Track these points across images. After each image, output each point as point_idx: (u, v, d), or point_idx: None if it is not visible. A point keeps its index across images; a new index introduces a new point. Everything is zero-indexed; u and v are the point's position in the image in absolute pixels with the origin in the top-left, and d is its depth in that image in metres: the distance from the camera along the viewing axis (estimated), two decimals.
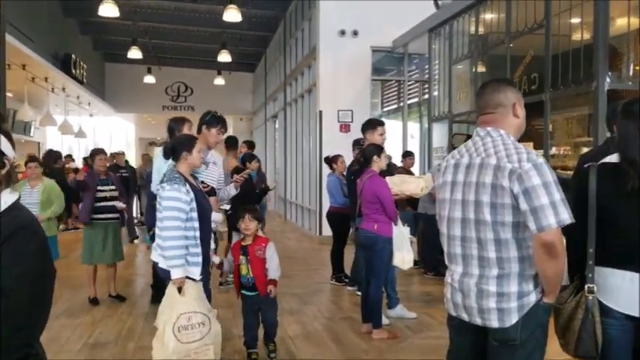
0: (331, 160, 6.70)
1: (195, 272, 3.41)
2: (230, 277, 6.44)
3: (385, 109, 11.58)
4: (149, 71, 18.85)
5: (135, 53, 14.59)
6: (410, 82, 11.08)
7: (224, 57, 14.74)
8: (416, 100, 11.30)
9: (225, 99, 20.50)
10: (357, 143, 6.13)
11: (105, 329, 4.76)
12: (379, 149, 4.59)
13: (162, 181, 3.43)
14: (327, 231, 9.38)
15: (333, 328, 4.92)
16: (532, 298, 2.03)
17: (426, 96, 10.95)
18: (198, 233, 3.42)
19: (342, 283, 6.56)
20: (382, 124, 5.18)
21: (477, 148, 2.18)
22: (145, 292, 5.93)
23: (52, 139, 19.44)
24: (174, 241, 3.30)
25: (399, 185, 4.73)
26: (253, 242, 3.92)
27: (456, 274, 2.21)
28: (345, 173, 6.39)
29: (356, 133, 8.62)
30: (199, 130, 4.16)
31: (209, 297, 3.64)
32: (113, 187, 5.73)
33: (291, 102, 13.75)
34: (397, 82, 11.35)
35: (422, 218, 7.08)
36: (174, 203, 3.32)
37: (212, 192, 6.29)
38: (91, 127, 18.99)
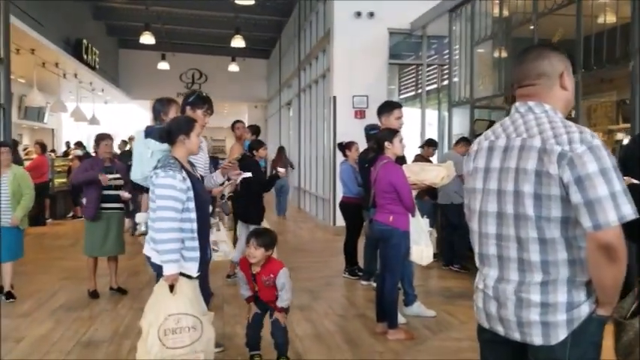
0: (345, 147, 6.32)
1: (192, 268, 3.08)
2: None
3: (402, 96, 11.13)
4: (163, 58, 18.62)
5: (147, 38, 14.33)
6: (429, 67, 10.61)
7: (238, 42, 14.42)
8: (434, 86, 10.84)
9: (240, 86, 20.24)
10: (370, 129, 5.74)
11: (101, 326, 4.48)
12: (393, 133, 4.20)
13: (155, 167, 3.10)
14: (342, 221, 9.07)
15: (345, 327, 4.57)
16: (584, 311, 1.66)
17: (445, 82, 10.51)
18: (195, 225, 3.08)
19: (356, 276, 6.22)
20: (399, 106, 4.80)
21: (517, 126, 1.80)
22: (148, 284, 5.60)
23: (67, 127, 19.35)
24: (168, 234, 2.97)
25: (418, 174, 4.34)
26: (262, 270, 3.48)
27: (489, 279, 1.84)
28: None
29: (371, 119, 8.24)
30: (183, 112, 3.81)
31: (208, 297, 3.32)
32: (118, 176, 5.39)
33: (305, 88, 13.37)
34: (415, 67, 10.89)
35: (447, 209, 6.67)
36: (168, 192, 2.98)
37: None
38: (105, 114, 18.80)
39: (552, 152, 1.63)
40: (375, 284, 5.66)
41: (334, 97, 9.88)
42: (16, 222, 5.03)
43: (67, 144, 17.18)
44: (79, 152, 11.71)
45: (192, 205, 3.07)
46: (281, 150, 13.86)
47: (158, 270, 3.07)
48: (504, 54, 7.69)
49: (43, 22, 11.24)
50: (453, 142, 8.72)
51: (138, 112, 24.38)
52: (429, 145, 7.57)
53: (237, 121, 6.81)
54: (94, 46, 15.24)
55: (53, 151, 15.12)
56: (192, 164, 3.34)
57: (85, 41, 14.38)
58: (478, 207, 1.87)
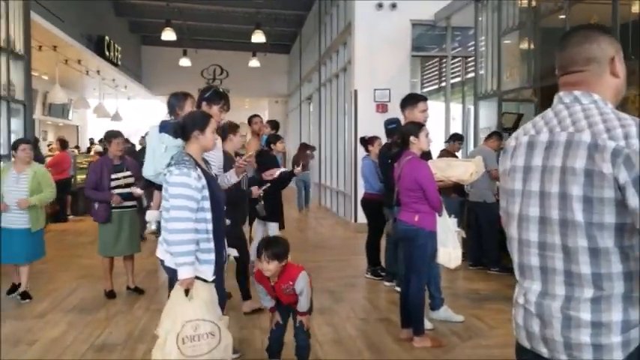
0: (367, 142, 6.10)
1: (207, 272, 2.92)
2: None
3: (425, 89, 10.84)
4: (184, 54, 18.58)
5: (168, 35, 14.27)
6: (453, 59, 10.31)
7: (258, 37, 14.27)
8: (458, 79, 10.53)
9: (261, 81, 20.15)
10: (389, 123, 5.53)
11: (116, 328, 4.36)
12: (418, 127, 3.97)
13: (169, 165, 2.95)
14: (363, 218, 8.86)
15: (367, 332, 4.37)
16: None
17: (470, 74, 10.21)
18: (210, 226, 2.92)
19: (379, 277, 6.01)
20: (424, 98, 4.57)
21: (562, 119, 1.58)
22: (165, 284, 5.48)
23: (91, 123, 19.50)
24: (182, 235, 2.80)
25: (445, 170, 4.11)
26: (279, 279, 3.28)
27: (531, 294, 1.62)
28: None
29: (394, 113, 8.01)
30: (198, 108, 3.68)
31: (223, 301, 3.16)
32: (128, 173, 5.25)
33: (326, 82, 13.17)
34: (439, 60, 10.60)
35: (479, 208, 6.43)
36: (183, 190, 2.83)
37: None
38: (128, 111, 18.88)
39: (605, 149, 1.41)
40: (398, 289, 5.48)
41: (355, 91, 9.67)
42: (24, 204, 4.85)
43: (91, 140, 17.32)
44: (100, 148, 11.71)
45: (207, 204, 2.91)
46: (303, 146, 13.69)
47: (172, 274, 2.92)
48: (532, 45, 7.38)
49: (64, 19, 11.25)
50: (480, 136, 8.47)
51: (160, 108, 24.52)
52: (455, 139, 7.31)
53: (255, 116, 6.64)
54: (116, 42, 15.26)
55: (77, 147, 15.22)
56: (206, 161, 3.18)
57: (107, 38, 14.39)
58: (517, 211, 1.66)
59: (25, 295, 5.07)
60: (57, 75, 11.76)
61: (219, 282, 3.08)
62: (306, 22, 16.59)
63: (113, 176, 5.21)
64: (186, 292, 2.83)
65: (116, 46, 15.15)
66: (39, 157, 9.44)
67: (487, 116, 8.64)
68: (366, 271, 6.17)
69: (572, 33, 1.69)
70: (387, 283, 5.76)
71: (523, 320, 1.65)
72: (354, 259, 7.12)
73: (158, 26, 15.36)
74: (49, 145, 13.30)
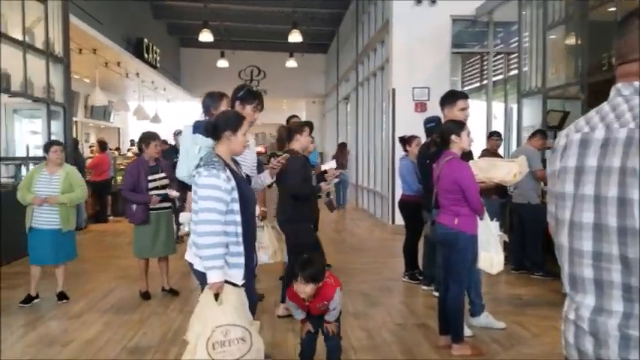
0: (406, 142, 5.92)
1: (237, 275, 2.84)
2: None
3: (466, 87, 10.54)
4: (222, 55, 18.73)
5: (206, 36, 14.39)
6: (495, 56, 9.98)
7: (295, 37, 14.23)
8: (500, 76, 10.19)
9: (298, 81, 20.15)
10: (428, 122, 5.34)
11: (150, 330, 4.33)
12: (460, 126, 3.79)
13: (198, 166, 2.87)
14: (400, 219, 8.67)
15: (404, 338, 4.20)
16: None
17: (513, 71, 9.86)
18: (240, 229, 2.83)
19: (416, 281, 5.83)
20: (464, 96, 4.37)
21: (620, 114, 1.40)
22: (199, 286, 5.49)
23: (132, 125, 19.89)
24: (211, 238, 2.72)
25: (487, 171, 3.91)
26: (315, 299, 3.15)
27: (584, 309, 1.45)
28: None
29: (433, 113, 7.79)
30: (232, 107, 3.60)
31: (254, 305, 3.06)
32: (163, 175, 5.26)
33: (363, 81, 13.01)
34: (479, 57, 10.28)
35: (523, 209, 6.18)
36: (212, 192, 2.75)
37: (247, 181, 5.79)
38: (168, 113, 19.17)
39: None
40: (436, 293, 5.28)
41: (393, 90, 9.47)
42: (53, 200, 4.85)
43: (132, 142, 17.64)
44: (136, 150, 11.89)
45: (236, 206, 2.82)
46: (342, 146, 13.56)
47: (201, 278, 2.85)
48: (580, 39, 7.04)
49: (103, 22, 11.46)
50: (524, 135, 8.16)
51: (199, 110, 24.77)
52: (491, 136, 7.06)
53: (293, 117, 6.57)
54: (155, 45, 15.49)
55: (118, 149, 15.51)
56: (236, 162, 3.10)
57: (145, 40, 14.62)
58: (568, 217, 1.49)
59: (62, 296, 5.11)
60: (97, 78, 11.98)
61: (249, 286, 2.99)
62: (343, 21, 16.45)
63: (150, 178, 5.21)
64: (216, 296, 2.75)
65: (155, 48, 15.38)
66: (79, 159, 9.67)
67: (531, 114, 8.32)
68: (403, 275, 6.00)
69: (631, 17, 1.51)
70: (424, 287, 5.58)
71: (574, 338, 1.48)
72: (391, 261, 6.96)
73: (196, 28, 15.52)
74: (90, 147, 13.59)
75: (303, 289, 3.06)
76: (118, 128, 19.17)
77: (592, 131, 1.46)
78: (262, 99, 3.76)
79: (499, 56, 10.10)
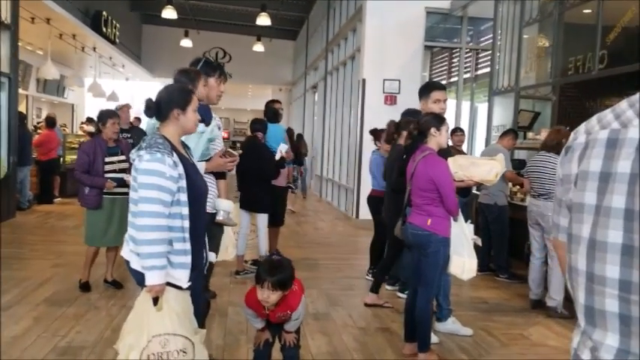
0: (378, 135, 5.60)
1: (182, 277, 2.43)
2: (250, 267, 5.56)
3: None
4: (186, 35, 18.01)
5: (169, 13, 13.69)
6: (466, 52, 9.78)
7: (264, 20, 13.69)
8: (468, 74, 9.99)
9: (265, 67, 19.62)
10: (408, 114, 5.03)
11: (85, 327, 3.87)
12: (440, 120, 3.49)
13: (139, 148, 2.46)
14: (365, 214, 8.38)
15: (366, 343, 3.89)
16: None
17: (481, 70, 9.70)
18: (187, 223, 2.43)
19: None
20: (440, 87, 4.08)
21: None
22: None
23: (88, 103, 18.93)
24: (152, 233, 2.31)
25: (467, 168, 3.62)
26: (277, 307, 2.81)
27: (603, 351, 1.15)
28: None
29: (403, 106, 7.51)
30: None
31: (201, 310, 2.68)
32: (123, 158, 4.76)
33: (332, 70, 12.65)
34: (448, 54, 10.06)
35: (489, 210, 5.98)
36: (154, 179, 2.33)
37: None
38: (127, 92, 18.32)
39: None
40: (401, 295, 5.02)
41: (363, 80, 9.15)
42: None
43: (89, 119, 16.78)
44: (92, 129, 11.19)
45: (183, 197, 2.42)
46: (300, 137, 13.23)
47: (139, 278, 2.43)
48: (554, 40, 6.88)
49: None
50: (493, 134, 7.98)
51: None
52: (457, 131, 6.83)
53: (274, 101, 6.23)
54: (115, 19, 14.68)
55: (64, 125, 14.62)
56: (185, 146, 2.69)
57: (104, 13, 13.81)
58: (587, 234, 1.18)
59: None
60: (49, 49, 11.21)
61: (196, 288, 2.60)
62: (314, 7, 16.02)
63: (107, 160, 4.71)
64: (155, 300, 2.35)
65: (114, 22, 14.57)
66: (25, 135, 8.99)
67: (501, 113, 8.15)
68: (367, 272, 5.71)
69: None
70: (388, 287, 5.31)
71: None
72: (355, 258, 6.67)
73: (159, 4, 14.80)
74: (38, 124, 12.78)
75: (268, 296, 2.70)
76: (73, 105, 18.22)
77: (624, 128, 1.15)
78: (224, 69, 3.37)
79: (469, 53, 9.91)
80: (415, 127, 3.48)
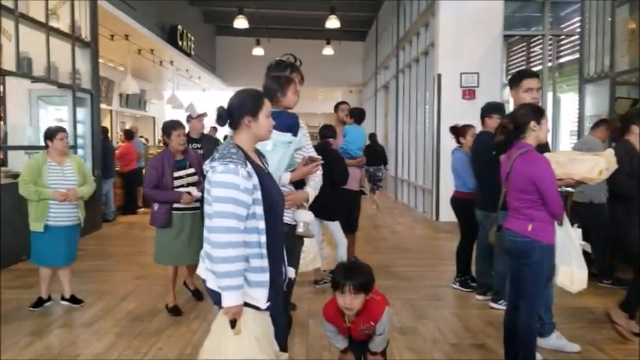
0: (460, 132, 5.21)
1: (260, 296, 2.24)
2: (329, 276, 5.36)
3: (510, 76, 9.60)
4: (258, 43, 18.26)
5: (241, 23, 13.91)
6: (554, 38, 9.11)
7: (332, 23, 13.58)
8: (549, 64, 9.28)
9: (335, 70, 19.54)
10: (492, 109, 4.64)
11: (167, 342, 3.77)
12: (538, 112, 3.10)
13: (212, 159, 2.29)
14: (446, 216, 7.98)
15: None
16: None
17: (564, 58, 8.99)
18: (264, 238, 2.24)
19: (469, 288, 5.16)
20: (532, 74, 3.69)
21: None
22: None
23: (168, 115, 19.59)
24: (227, 250, 2.12)
25: (567, 165, 3.21)
26: (358, 318, 2.65)
27: None
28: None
29: (482, 100, 7.04)
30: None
31: (283, 331, 2.48)
32: (192, 171, 4.46)
33: (404, 68, 12.27)
34: (525, 43, 9.41)
35: (584, 210, 5.42)
36: (229, 192, 2.15)
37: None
38: (203, 102, 18.79)
39: None
40: (494, 305, 4.62)
41: (439, 75, 8.74)
42: (73, 195, 4.33)
43: (124, 131, 17.27)
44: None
45: (259, 210, 2.23)
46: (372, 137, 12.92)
47: (216, 298, 2.26)
48: None
49: (136, 8, 11.06)
50: (587, 124, 7.33)
51: None
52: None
53: (341, 103, 6.02)
54: (190, 32, 15.08)
55: (142, 137, 15.10)
56: (260, 154, 2.50)
57: (180, 27, 14.22)
58: None
59: (75, 300, 4.61)
60: (129, 64, 11.62)
61: (277, 308, 2.40)
62: (383, 6, 15.70)
63: (175, 174, 4.39)
64: (233, 323, 2.17)
65: (189, 35, 14.97)
66: (108, 148, 9.31)
67: (593, 102, 7.48)
68: (453, 281, 5.33)
69: None
70: (479, 297, 4.91)
71: None
72: (438, 264, 6.30)
73: (231, 15, 15.06)
74: (119, 137, 13.33)
75: (353, 303, 2.55)
76: (154, 117, 18.93)
77: None
78: (298, 68, 3.16)
79: (550, 41, 9.21)
80: (511, 121, 3.11)
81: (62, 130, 4.53)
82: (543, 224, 3.02)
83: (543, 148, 3.22)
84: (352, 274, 2.60)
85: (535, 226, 3.01)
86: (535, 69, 9.31)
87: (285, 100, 2.97)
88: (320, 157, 2.99)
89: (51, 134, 4.44)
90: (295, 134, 2.88)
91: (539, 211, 3.00)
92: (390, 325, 2.73)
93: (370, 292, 2.62)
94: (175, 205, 4.38)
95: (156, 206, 4.41)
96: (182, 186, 4.40)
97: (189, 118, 5.81)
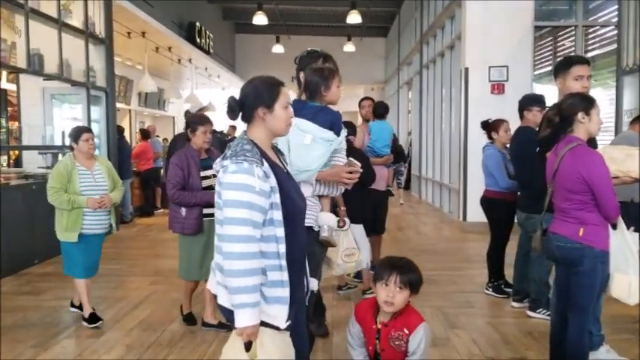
0: (492, 127, 4.86)
1: (279, 314, 1.96)
2: (353, 281, 5.08)
3: (537, 71, 9.03)
4: (277, 40, 18.03)
5: (260, 19, 13.68)
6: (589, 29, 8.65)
7: (354, 18, 13.30)
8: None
9: (356, 67, 19.17)
10: (532, 101, 4.29)
11: (180, 355, 3.53)
12: (588, 101, 2.76)
13: (223, 157, 2.02)
14: (474, 216, 7.62)
15: None
16: None
17: (595, 51, 8.51)
18: (283, 247, 1.96)
19: (503, 294, 4.81)
20: (583, 61, 3.36)
21: None
22: None
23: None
24: (241, 262, 1.84)
25: (622, 162, 2.87)
26: (392, 320, 2.42)
27: None
28: (508, 145, 4.61)
29: (512, 95, 6.68)
30: (298, 80, 2.79)
31: (304, 353, 2.20)
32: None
33: (428, 63, 11.89)
34: (552, 36, 8.95)
35: (627, 208, 5.00)
36: (243, 196, 1.87)
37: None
38: (223, 102, 18.61)
39: None
40: (532, 314, 4.28)
41: (466, 69, 8.35)
42: (108, 202, 4.03)
43: (141, 130, 17.11)
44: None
45: (277, 215, 1.95)
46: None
47: (229, 315, 1.99)
48: None
49: (153, 5, 10.88)
50: (625, 118, 6.90)
51: None
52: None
53: (365, 99, 5.74)
54: (208, 29, 14.89)
55: (160, 137, 14.95)
56: (278, 151, 2.22)
57: (198, 24, 14.03)
58: None
59: (95, 318, 4.12)
60: (146, 62, 11.46)
61: (299, 327, 2.12)
62: (405, 0, 15.31)
63: (202, 174, 3.95)
64: (248, 346, 1.90)
65: (208, 33, 14.78)
66: (125, 148, 9.13)
67: (630, 95, 7.05)
68: (486, 286, 4.98)
69: None
70: (515, 305, 4.56)
71: None
72: (468, 267, 5.96)
73: (250, 12, 14.85)
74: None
75: (394, 295, 2.39)
76: (173, 117, 18.81)
77: None
78: (331, 57, 2.86)
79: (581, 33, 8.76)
80: (556, 113, 2.78)
81: (87, 130, 4.21)
82: (596, 228, 2.69)
83: (591, 143, 2.88)
84: (401, 265, 2.46)
85: (587, 230, 2.68)
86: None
87: (330, 95, 2.68)
88: (358, 164, 2.67)
89: (75, 135, 4.11)
90: (338, 134, 2.59)
91: (590, 213, 2.67)
92: (428, 346, 2.41)
93: (416, 292, 2.47)
94: (205, 211, 3.90)
95: (183, 211, 3.88)
96: (207, 188, 3.92)
97: (188, 113, 5.47)
